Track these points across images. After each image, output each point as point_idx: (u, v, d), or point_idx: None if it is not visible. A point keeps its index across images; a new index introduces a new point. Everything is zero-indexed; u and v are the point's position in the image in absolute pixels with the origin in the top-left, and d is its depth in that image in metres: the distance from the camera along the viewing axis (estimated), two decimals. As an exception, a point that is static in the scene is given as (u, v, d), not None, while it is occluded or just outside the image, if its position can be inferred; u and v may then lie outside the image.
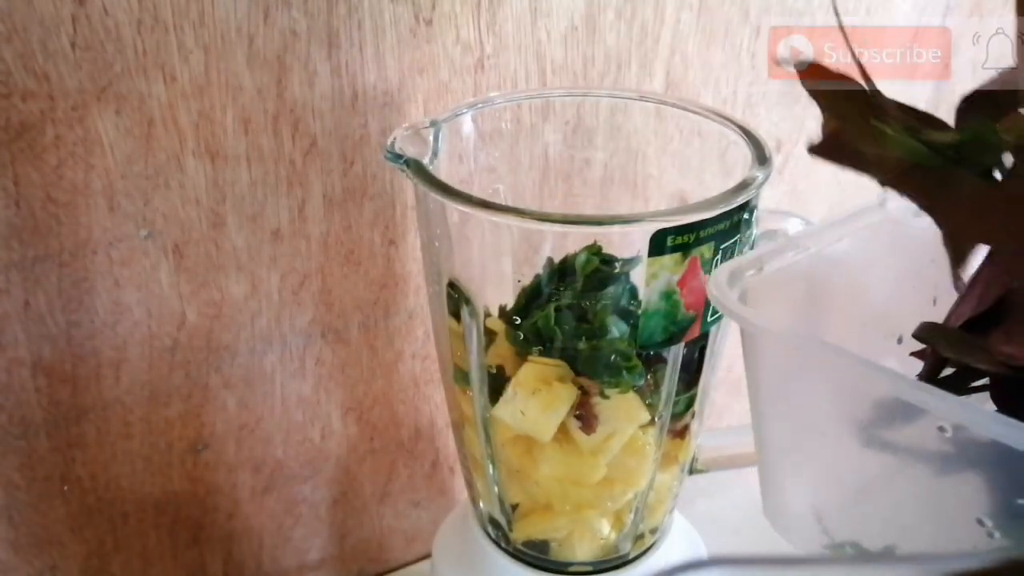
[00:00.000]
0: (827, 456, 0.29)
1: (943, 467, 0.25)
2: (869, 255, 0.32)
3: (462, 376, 0.38)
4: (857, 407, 0.26)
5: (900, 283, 0.33)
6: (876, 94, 0.26)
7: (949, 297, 0.28)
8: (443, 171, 0.35)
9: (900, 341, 0.30)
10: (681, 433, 0.39)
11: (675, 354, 0.35)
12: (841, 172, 0.28)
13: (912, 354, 0.29)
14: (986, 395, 0.26)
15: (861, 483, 0.28)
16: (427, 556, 0.48)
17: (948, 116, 0.28)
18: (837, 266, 0.31)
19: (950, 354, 0.26)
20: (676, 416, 0.37)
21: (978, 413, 0.21)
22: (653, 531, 0.42)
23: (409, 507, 0.55)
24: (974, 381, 0.26)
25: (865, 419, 0.26)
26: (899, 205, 0.31)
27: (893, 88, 0.60)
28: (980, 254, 0.27)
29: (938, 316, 0.28)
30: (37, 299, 0.38)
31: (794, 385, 0.29)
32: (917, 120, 0.26)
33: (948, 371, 0.27)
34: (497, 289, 0.37)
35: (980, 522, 0.23)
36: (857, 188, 0.30)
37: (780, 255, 0.30)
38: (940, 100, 0.61)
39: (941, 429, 0.24)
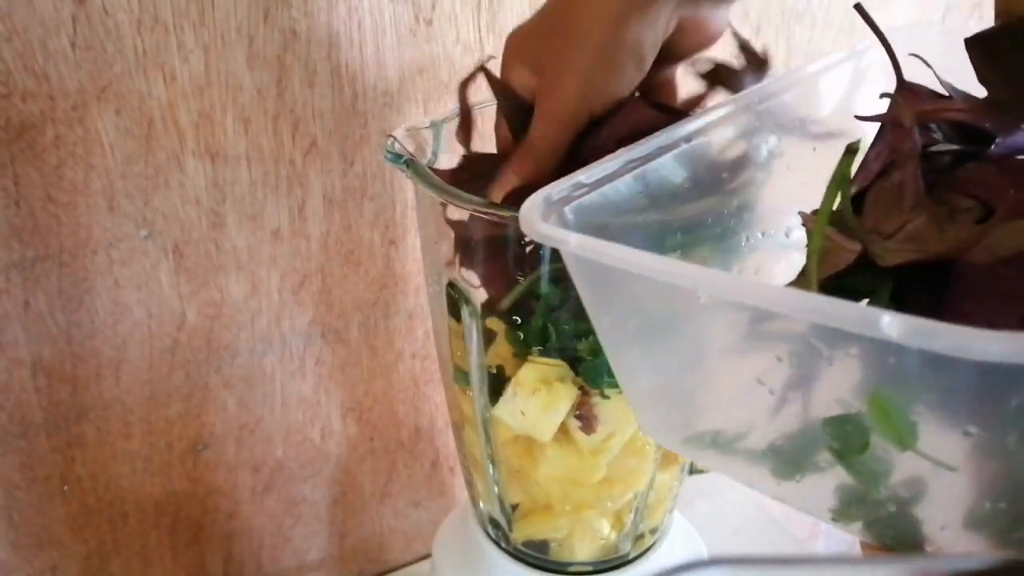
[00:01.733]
0: (672, 361, 0.28)
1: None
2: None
3: (462, 376, 0.38)
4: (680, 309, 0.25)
5: (784, 176, 0.32)
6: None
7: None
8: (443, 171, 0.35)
9: (788, 234, 0.30)
10: (681, 433, 0.39)
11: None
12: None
13: None
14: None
15: (703, 375, 0.27)
16: (427, 556, 0.48)
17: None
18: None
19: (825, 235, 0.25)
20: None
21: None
22: (653, 531, 0.42)
23: (409, 507, 0.55)
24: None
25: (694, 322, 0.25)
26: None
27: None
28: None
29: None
30: (37, 299, 0.38)
31: (620, 305, 0.27)
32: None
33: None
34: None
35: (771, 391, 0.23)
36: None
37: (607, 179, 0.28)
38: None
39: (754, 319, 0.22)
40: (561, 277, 0.35)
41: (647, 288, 0.23)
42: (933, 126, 0.26)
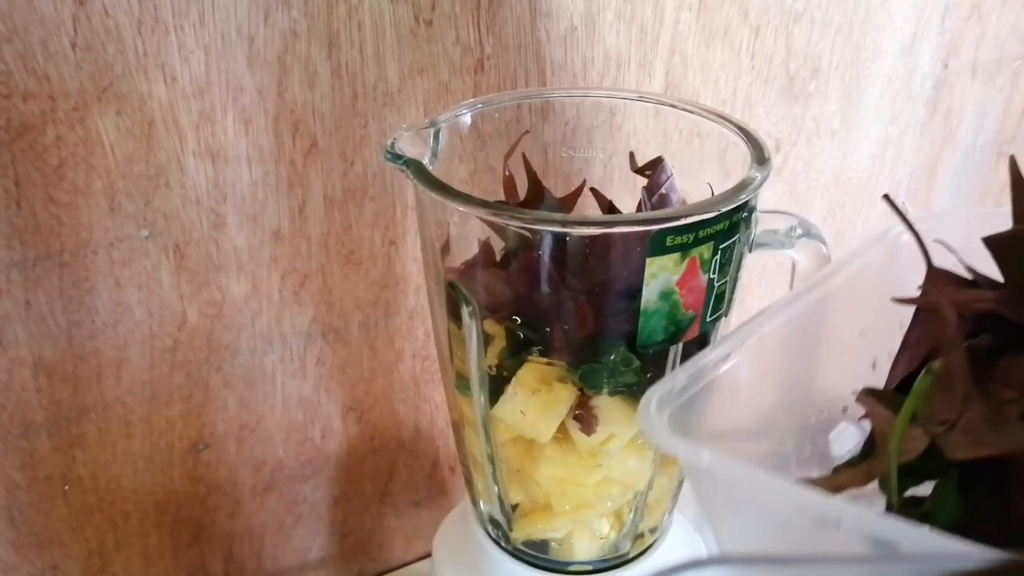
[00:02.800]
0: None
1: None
2: (797, 341, 0.32)
3: (464, 384, 0.38)
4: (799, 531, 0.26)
5: (833, 359, 0.33)
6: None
7: (886, 361, 0.29)
8: (443, 171, 0.35)
9: (845, 411, 0.31)
10: (681, 433, 0.39)
11: (674, 354, 0.35)
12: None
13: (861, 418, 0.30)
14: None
15: None
16: (427, 555, 0.48)
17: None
18: (766, 361, 0.31)
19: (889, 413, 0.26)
20: (676, 416, 0.37)
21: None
22: (653, 530, 0.42)
23: (409, 507, 0.55)
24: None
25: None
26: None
27: (892, 88, 0.60)
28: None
29: (879, 379, 0.30)
30: (38, 299, 0.38)
31: (739, 509, 0.28)
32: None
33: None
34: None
35: None
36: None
37: (709, 366, 0.29)
38: (938, 100, 0.61)
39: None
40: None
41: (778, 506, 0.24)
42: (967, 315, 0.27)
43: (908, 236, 0.29)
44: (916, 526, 0.20)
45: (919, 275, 0.28)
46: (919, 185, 0.65)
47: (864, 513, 0.21)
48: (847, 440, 0.31)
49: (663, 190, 0.37)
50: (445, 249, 0.36)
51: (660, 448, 0.26)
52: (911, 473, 0.25)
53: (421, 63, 0.42)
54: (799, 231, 0.36)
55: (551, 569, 0.40)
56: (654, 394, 0.26)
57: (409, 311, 0.48)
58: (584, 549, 0.40)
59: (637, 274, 0.31)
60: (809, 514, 0.22)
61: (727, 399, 0.29)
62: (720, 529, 0.27)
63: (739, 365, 0.29)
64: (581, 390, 0.35)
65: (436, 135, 0.36)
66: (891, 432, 0.25)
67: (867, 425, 0.28)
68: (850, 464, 0.28)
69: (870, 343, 0.29)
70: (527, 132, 0.35)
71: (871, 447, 0.28)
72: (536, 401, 0.35)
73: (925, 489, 0.26)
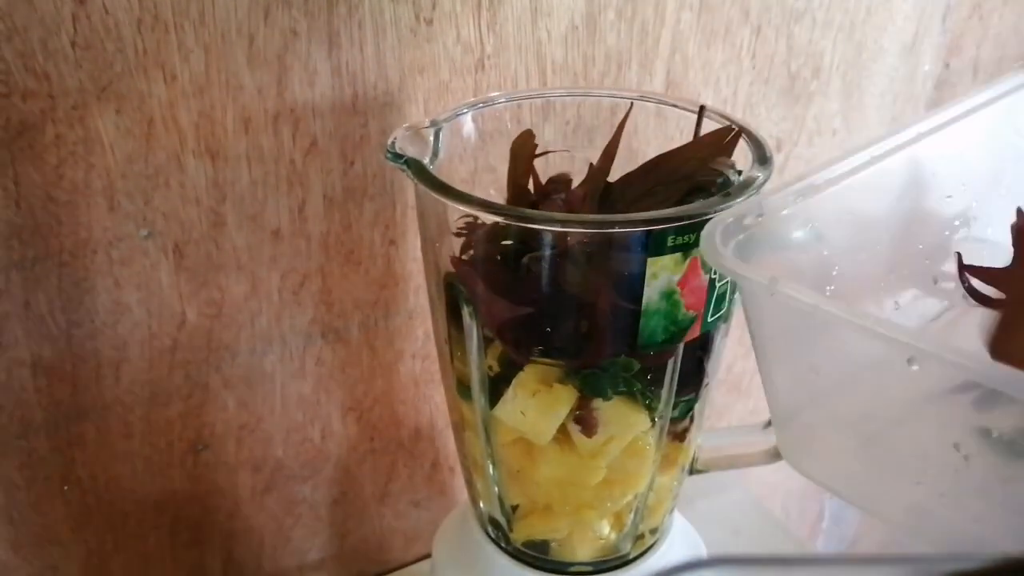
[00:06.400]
0: (839, 406, 0.28)
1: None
2: (878, 193, 0.31)
3: (464, 389, 0.38)
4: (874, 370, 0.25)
5: (911, 222, 0.32)
6: None
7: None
8: (443, 171, 0.35)
9: (936, 281, 0.30)
10: (681, 435, 0.39)
11: (675, 354, 0.35)
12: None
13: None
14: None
15: (873, 429, 0.27)
16: (427, 556, 0.48)
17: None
18: (844, 206, 0.30)
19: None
20: (676, 418, 0.37)
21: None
22: (653, 531, 0.42)
23: (409, 507, 0.55)
24: None
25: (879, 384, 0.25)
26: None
27: (894, 88, 0.60)
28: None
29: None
30: (37, 299, 0.38)
31: (804, 344, 0.27)
32: None
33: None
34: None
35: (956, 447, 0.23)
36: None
37: (782, 200, 0.28)
38: (940, 100, 0.61)
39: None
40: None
41: (847, 340, 0.23)
42: None
43: None
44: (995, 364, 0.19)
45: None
46: (920, 185, 0.65)
47: (945, 348, 0.20)
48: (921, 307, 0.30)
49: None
50: (445, 249, 0.36)
51: (726, 272, 0.24)
52: None
53: (421, 62, 0.42)
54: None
55: (551, 570, 0.40)
56: (719, 224, 0.25)
57: (409, 311, 0.48)
58: (584, 550, 0.40)
59: (638, 274, 0.31)
60: (888, 348, 0.21)
61: (791, 244, 0.28)
62: (776, 377, 0.26)
63: (811, 206, 0.28)
64: (581, 391, 0.35)
65: (436, 134, 0.36)
66: None
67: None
68: None
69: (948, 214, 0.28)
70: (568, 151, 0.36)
71: None
72: (536, 402, 0.34)
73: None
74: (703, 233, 0.26)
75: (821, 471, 0.28)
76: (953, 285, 0.31)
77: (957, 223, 0.32)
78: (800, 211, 0.29)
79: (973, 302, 0.29)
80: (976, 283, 0.29)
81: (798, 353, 0.26)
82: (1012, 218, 0.30)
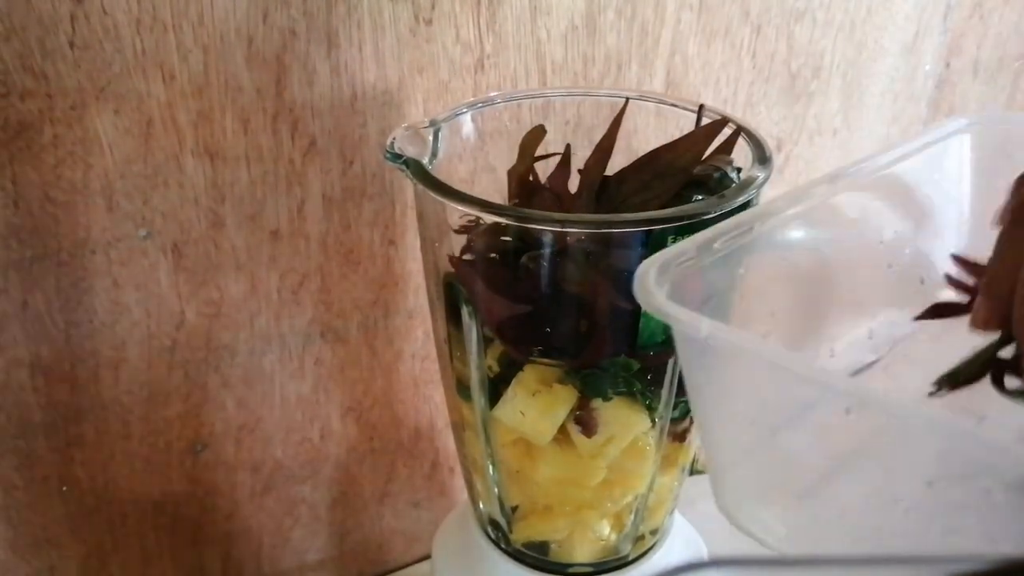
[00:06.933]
0: (775, 457, 0.27)
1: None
2: (819, 233, 0.31)
3: (464, 389, 0.38)
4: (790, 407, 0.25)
5: (856, 258, 0.32)
6: None
7: (902, 267, 0.28)
8: (443, 171, 0.35)
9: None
10: (681, 435, 0.39)
11: (675, 354, 0.35)
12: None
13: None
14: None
15: (810, 481, 0.27)
16: (427, 557, 0.48)
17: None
18: (787, 246, 0.30)
19: None
20: (676, 418, 0.37)
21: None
22: (653, 532, 0.41)
23: (409, 507, 0.55)
24: None
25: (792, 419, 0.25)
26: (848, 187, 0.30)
27: (894, 87, 0.60)
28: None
29: (891, 282, 0.28)
30: (35, 299, 0.38)
31: (731, 385, 0.27)
32: None
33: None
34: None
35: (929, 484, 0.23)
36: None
37: (722, 237, 0.27)
38: (940, 99, 0.61)
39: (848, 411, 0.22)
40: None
41: (775, 380, 0.23)
42: None
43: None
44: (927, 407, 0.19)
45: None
46: (921, 185, 0.65)
47: (884, 396, 0.20)
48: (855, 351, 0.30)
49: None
50: (445, 249, 0.36)
51: (656, 314, 0.23)
52: None
53: (421, 62, 0.42)
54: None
55: (551, 571, 0.40)
56: (655, 262, 0.24)
57: (409, 311, 0.48)
58: (584, 551, 0.40)
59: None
60: (823, 389, 0.21)
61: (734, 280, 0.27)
62: (707, 419, 0.26)
63: (751, 245, 0.27)
64: (581, 391, 0.35)
65: (436, 134, 0.36)
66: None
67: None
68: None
69: (894, 248, 0.27)
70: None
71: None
72: (536, 402, 0.34)
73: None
74: (637, 272, 0.25)
75: (760, 525, 0.28)
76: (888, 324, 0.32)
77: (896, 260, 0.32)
78: (736, 252, 0.28)
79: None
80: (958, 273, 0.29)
81: (732, 400, 0.26)
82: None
